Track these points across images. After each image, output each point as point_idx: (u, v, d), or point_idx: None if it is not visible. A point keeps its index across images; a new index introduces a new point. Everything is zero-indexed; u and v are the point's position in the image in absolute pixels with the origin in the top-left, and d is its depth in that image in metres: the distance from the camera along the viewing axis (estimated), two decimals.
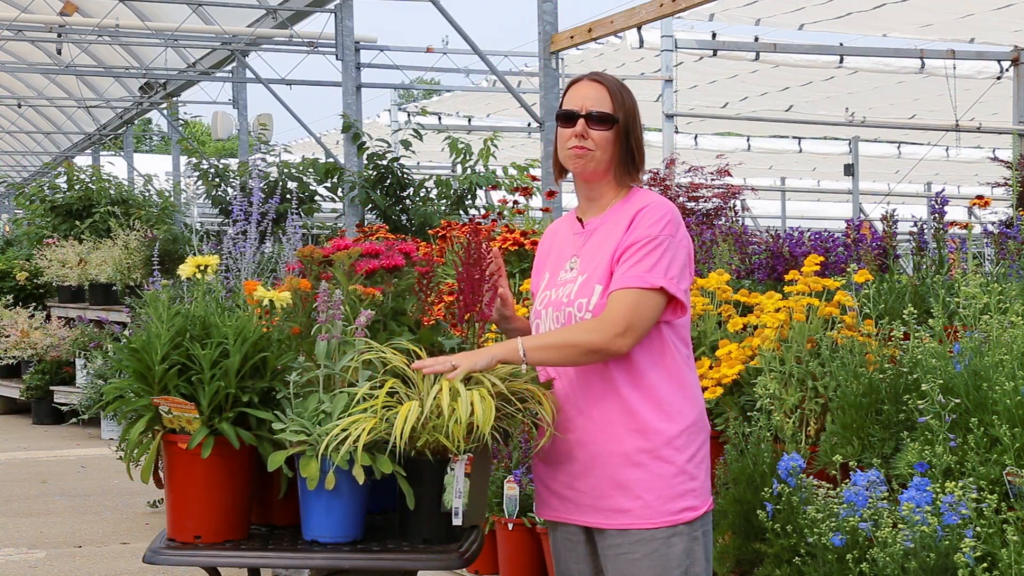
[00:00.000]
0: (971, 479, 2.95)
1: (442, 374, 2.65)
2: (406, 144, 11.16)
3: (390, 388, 2.67)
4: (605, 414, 2.79)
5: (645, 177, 8.90)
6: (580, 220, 2.96)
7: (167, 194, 13.85)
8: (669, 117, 12.02)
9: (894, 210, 5.05)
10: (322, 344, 2.78)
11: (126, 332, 9.38)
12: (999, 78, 13.39)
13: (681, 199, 8.71)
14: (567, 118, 2.88)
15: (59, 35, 12.68)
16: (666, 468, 2.77)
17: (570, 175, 2.97)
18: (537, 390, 2.77)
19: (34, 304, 12.90)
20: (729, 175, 9.04)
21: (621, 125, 2.87)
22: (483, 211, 10.23)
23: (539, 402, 2.75)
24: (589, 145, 2.85)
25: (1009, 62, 12.97)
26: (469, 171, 10.52)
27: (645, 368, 2.79)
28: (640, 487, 2.76)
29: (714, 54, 13.01)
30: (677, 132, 13.29)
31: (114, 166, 16.22)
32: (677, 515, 2.78)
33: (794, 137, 20.25)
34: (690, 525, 2.79)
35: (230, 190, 11.89)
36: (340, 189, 10.95)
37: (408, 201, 10.66)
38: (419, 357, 2.77)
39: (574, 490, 2.85)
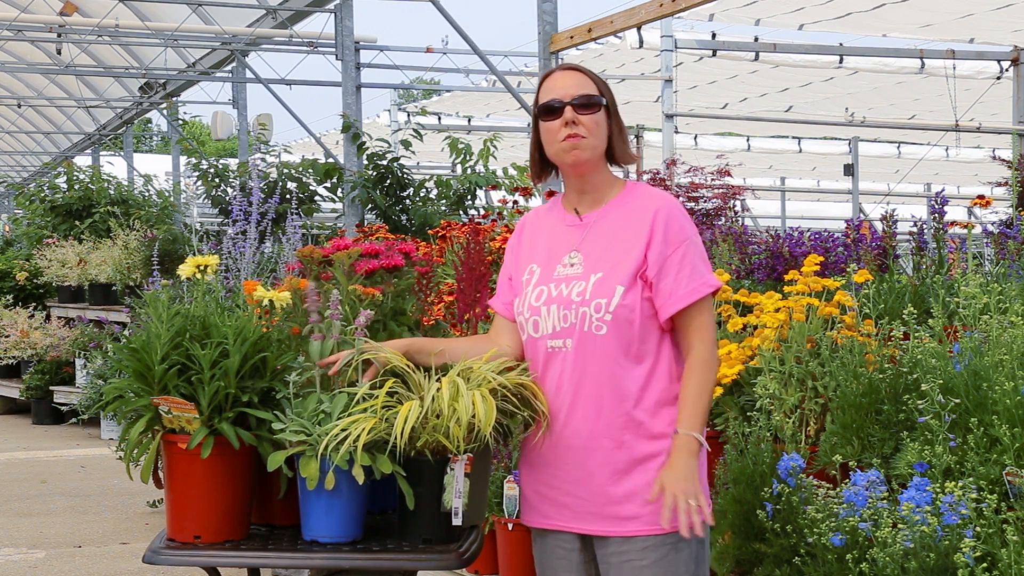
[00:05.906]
0: (971, 479, 2.95)
1: (446, 376, 2.63)
2: (406, 144, 11.16)
3: (390, 388, 2.67)
4: (610, 420, 2.74)
5: (646, 177, 8.94)
6: (576, 212, 2.85)
7: (167, 194, 13.84)
8: (669, 117, 12.02)
9: (894, 210, 5.06)
10: (315, 344, 2.78)
11: (126, 332, 9.37)
12: (999, 78, 13.39)
13: (681, 199, 8.70)
14: (551, 110, 2.77)
15: (59, 35, 12.69)
16: None
17: (550, 177, 2.91)
18: (530, 383, 2.76)
19: (34, 304, 12.89)
20: (729, 175, 9.03)
21: (609, 107, 2.80)
22: (483, 211, 10.22)
23: (533, 394, 2.74)
24: (581, 132, 2.75)
25: (1009, 62, 12.96)
26: (469, 171, 10.52)
27: (650, 374, 2.76)
28: (647, 493, 2.71)
29: (714, 54, 13.00)
30: (677, 132, 13.28)
31: (114, 166, 16.25)
32: None
33: (794, 137, 20.25)
34: None
35: (230, 190, 11.88)
36: (340, 189, 10.95)
37: (408, 201, 10.66)
38: None
39: (572, 496, 2.78)
